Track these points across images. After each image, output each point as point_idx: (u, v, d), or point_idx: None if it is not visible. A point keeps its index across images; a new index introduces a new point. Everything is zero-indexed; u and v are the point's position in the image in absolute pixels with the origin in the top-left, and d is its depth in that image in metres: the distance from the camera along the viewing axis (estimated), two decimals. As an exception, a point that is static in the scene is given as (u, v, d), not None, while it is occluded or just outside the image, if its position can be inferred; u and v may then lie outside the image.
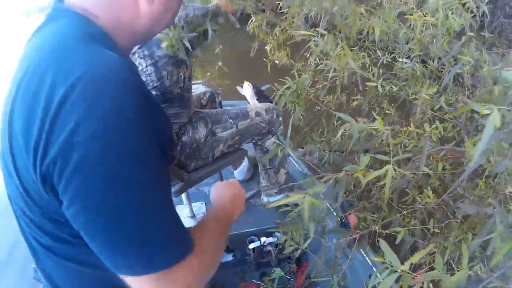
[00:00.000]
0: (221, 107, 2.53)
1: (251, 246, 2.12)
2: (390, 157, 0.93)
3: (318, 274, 1.60)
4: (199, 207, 2.57)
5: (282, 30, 1.55)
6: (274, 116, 2.23)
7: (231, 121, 2.18)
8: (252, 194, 2.58)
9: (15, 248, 1.13)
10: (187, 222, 2.43)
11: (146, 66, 1.84)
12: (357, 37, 1.48)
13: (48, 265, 0.81)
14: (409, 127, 1.12)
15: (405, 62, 1.37)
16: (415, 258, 0.74)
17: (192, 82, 2.14)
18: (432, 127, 1.10)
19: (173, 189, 2.05)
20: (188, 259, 0.71)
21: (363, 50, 1.51)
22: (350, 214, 1.66)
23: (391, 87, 1.20)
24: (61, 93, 0.62)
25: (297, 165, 2.66)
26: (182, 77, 1.93)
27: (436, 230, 1.08)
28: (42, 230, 0.75)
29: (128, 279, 0.69)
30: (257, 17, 1.60)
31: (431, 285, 0.79)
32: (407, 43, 1.37)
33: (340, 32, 1.49)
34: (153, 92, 1.88)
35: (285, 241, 1.37)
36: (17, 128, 0.68)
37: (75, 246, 0.72)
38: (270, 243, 2.15)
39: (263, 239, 2.18)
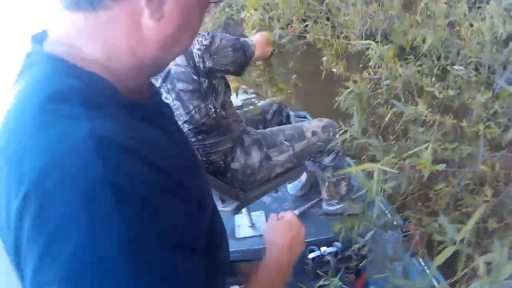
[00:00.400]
0: (288, 121, 2.49)
1: (311, 255, 2.12)
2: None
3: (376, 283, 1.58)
4: (258, 216, 2.61)
5: (338, 39, 1.64)
6: (331, 135, 2.14)
7: (287, 143, 2.09)
8: (313, 204, 2.58)
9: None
10: (247, 232, 2.51)
11: (173, 101, 1.76)
12: (410, 46, 1.55)
13: None
14: (462, 124, 1.18)
15: (460, 70, 1.43)
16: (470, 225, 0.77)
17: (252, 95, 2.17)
18: (485, 126, 1.16)
19: (229, 208, 2.05)
20: None
21: (417, 59, 1.58)
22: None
23: (448, 92, 1.27)
24: (14, 214, 0.50)
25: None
26: (213, 109, 1.83)
27: (494, 225, 1.13)
28: None
29: None
30: (315, 28, 1.68)
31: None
32: (459, 52, 1.44)
33: (392, 42, 1.57)
34: (186, 126, 1.82)
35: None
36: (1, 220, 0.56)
37: None
38: (329, 253, 2.13)
39: (323, 248, 2.16)
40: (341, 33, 1.67)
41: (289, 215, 1.07)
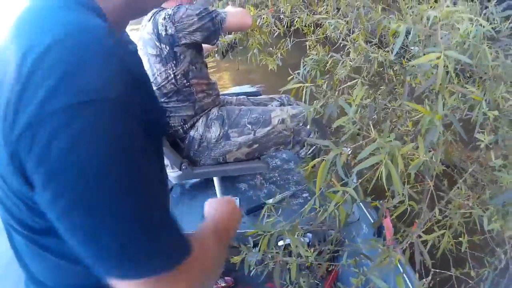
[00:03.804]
0: None
1: (280, 243, 2.04)
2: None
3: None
4: None
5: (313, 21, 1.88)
6: (301, 124, 2.06)
7: (250, 126, 2.05)
8: (286, 195, 2.66)
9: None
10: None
11: (145, 63, 1.95)
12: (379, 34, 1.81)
13: (26, 255, 0.72)
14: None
15: (413, 49, 1.68)
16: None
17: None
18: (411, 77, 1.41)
19: (174, 175, 2.09)
20: (187, 262, 0.63)
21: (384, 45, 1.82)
22: (386, 217, 1.59)
23: (388, 55, 1.53)
24: (33, 57, 0.51)
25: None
26: (172, 74, 1.97)
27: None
28: (18, 218, 0.64)
29: (119, 283, 0.59)
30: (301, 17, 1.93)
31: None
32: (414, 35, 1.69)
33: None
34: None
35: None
36: None
37: (53, 237, 0.61)
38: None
39: None
40: (319, 20, 1.91)
41: (228, 197, 1.18)
